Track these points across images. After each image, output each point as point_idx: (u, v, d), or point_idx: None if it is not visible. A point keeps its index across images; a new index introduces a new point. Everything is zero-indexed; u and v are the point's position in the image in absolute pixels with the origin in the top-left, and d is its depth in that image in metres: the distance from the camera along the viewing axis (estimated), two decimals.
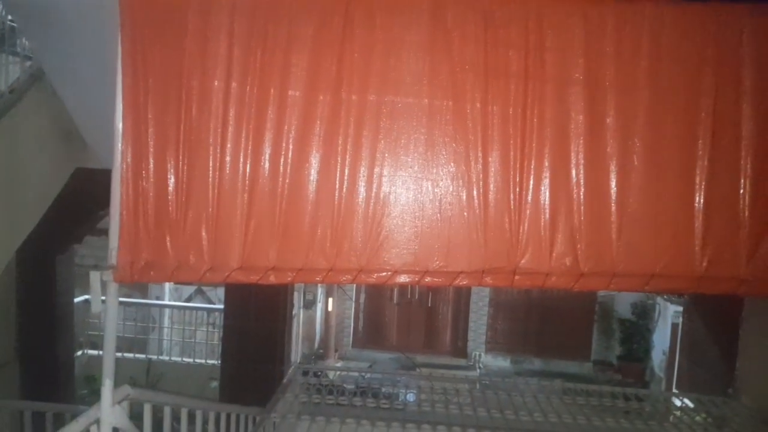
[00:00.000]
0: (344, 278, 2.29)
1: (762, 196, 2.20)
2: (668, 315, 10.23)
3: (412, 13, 2.21)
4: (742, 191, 2.20)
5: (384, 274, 2.25)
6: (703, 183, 2.20)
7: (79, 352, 7.53)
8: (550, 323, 12.41)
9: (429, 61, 2.21)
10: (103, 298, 2.26)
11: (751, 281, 2.24)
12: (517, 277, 2.23)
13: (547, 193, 2.22)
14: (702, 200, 2.20)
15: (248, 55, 2.21)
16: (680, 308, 8.55)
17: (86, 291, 6.49)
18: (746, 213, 2.20)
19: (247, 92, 2.20)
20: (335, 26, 2.22)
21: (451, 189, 2.23)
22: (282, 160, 2.22)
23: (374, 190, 2.23)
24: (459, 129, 2.22)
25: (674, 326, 9.63)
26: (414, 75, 2.21)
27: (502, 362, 12.49)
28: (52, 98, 4.16)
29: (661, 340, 10.72)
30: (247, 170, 2.21)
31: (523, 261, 2.23)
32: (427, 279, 2.25)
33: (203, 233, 2.21)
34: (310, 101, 2.21)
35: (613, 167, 2.20)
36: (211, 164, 2.21)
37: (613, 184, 2.20)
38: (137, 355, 7.66)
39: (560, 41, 2.18)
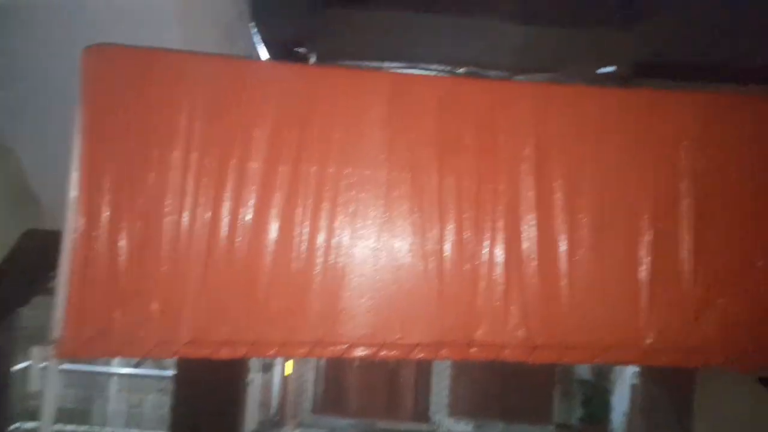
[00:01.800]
0: (299, 352, 2.24)
1: (703, 269, 2.30)
2: (626, 376, 10.34)
3: (374, 93, 2.30)
4: (684, 264, 2.30)
5: (340, 347, 2.23)
6: (648, 257, 2.29)
7: (16, 425, 7.06)
8: (513, 385, 12.32)
9: (388, 136, 2.29)
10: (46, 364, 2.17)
11: (698, 352, 2.32)
12: (472, 350, 2.25)
13: (502, 266, 2.27)
14: (647, 273, 2.29)
15: (209, 127, 2.24)
16: (637, 369, 8.67)
17: (30, 356, 6.16)
18: (689, 285, 2.29)
19: (207, 163, 2.22)
20: (297, 99, 2.30)
21: (408, 261, 2.26)
22: (239, 231, 2.22)
23: (331, 261, 2.24)
24: (416, 202, 2.27)
25: (633, 387, 9.71)
26: (373, 149, 2.28)
27: (464, 427, 12.27)
28: (6, 155, 4.08)
29: (620, 401, 10.77)
30: (203, 242, 2.19)
31: (478, 333, 2.25)
32: (384, 352, 2.24)
33: (154, 306, 2.15)
34: (270, 173, 2.24)
35: (562, 241, 2.28)
36: (165, 234, 2.19)
37: (563, 257, 2.28)
38: (78, 427, 7.25)
39: (511, 121, 2.31)
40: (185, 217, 2.18)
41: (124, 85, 2.21)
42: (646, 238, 2.28)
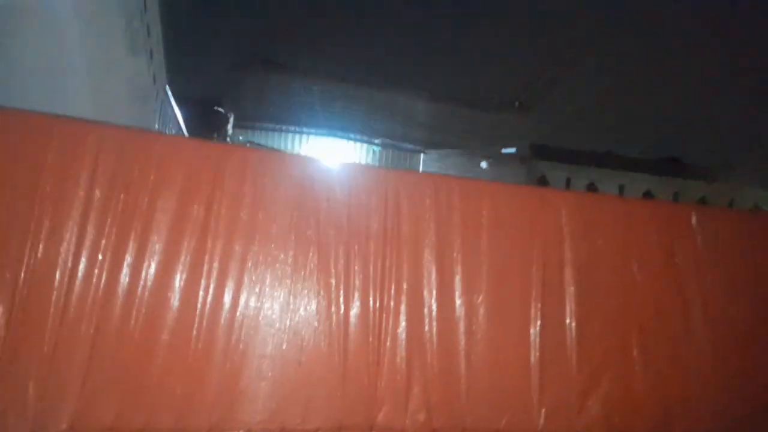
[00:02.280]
0: None
1: (586, 355, 2.47)
2: None
3: (282, 176, 2.35)
4: (569, 350, 2.46)
5: None
6: (537, 341, 2.44)
7: None
8: None
9: (296, 217, 2.32)
10: None
11: None
12: None
13: (404, 348, 2.32)
14: (537, 357, 2.42)
15: (110, 197, 2.17)
16: None
17: None
18: (575, 369, 2.45)
19: (104, 236, 2.13)
20: (204, 175, 2.28)
21: (311, 342, 2.26)
22: (136, 307, 2.12)
23: (233, 341, 2.19)
24: (322, 283, 2.30)
25: None
26: (281, 229, 2.30)
27: None
28: None
29: None
30: (93, 318, 2.07)
31: (380, 416, 2.26)
32: None
33: (30, 388, 1.98)
34: (172, 248, 2.19)
35: (461, 323, 2.39)
36: (52, 309, 2.04)
37: (461, 339, 2.37)
38: None
39: (414, 209, 2.42)
40: (75, 291, 2.05)
41: (19, 151, 2.09)
42: (536, 324, 2.43)
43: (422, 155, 5.54)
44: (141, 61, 4.07)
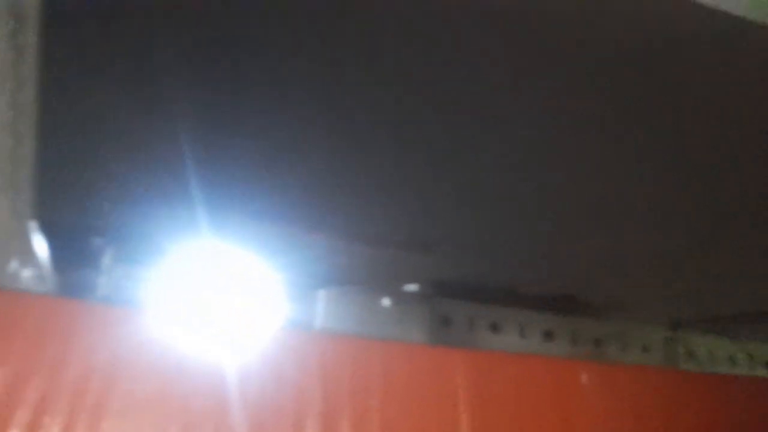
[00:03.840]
0: None
1: None
2: None
3: (140, 333, 2.29)
4: None
5: None
6: None
7: None
8: None
9: (159, 385, 2.27)
10: None
11: None
12: None
13: None
14: None
15: None
16: None
17: None
18: None
19: None
20: (49, 337, 2.20)
21: None
22: None
23: None
24: None
25: None
26: (140, 400, 2.23)
27: None
28: None
29: None
30: None
31: None
32: None
33: None
34: None
35: None
36: None
37: None
38: None
39: (298, 372, 2.45)
40: None
41: None
42: None
43: (321, 292, 5.18)
44: (5, 199, 3.61)
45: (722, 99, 1.95)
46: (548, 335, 4.18)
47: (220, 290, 3.09)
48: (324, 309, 3.92)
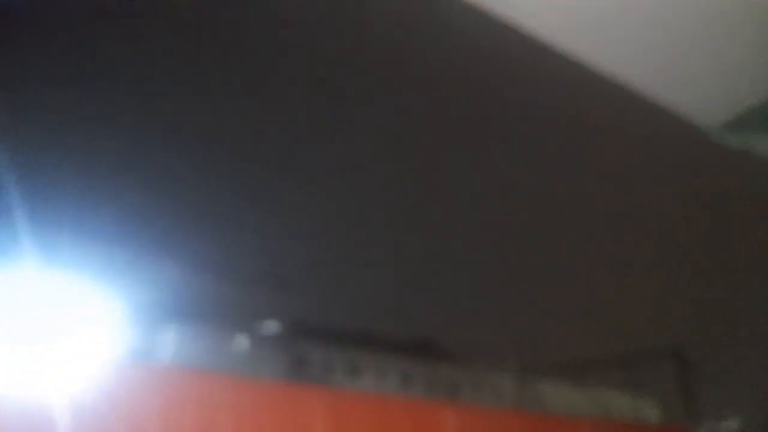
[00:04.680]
0: None
1: None
2: None
3: None
4: None
5: None
6: None
7: None
8: None
9: None
10: None
11: None
12: None
13: None
14: None
15: None
16: None
17: None
18: None
19: None
20: None
21: None
22: None
23: None
24: None
25: None
26: None
27: None
28: None
29: None
30: None
31: None
32: None
33: None
34: None
35: None
36: None
37: None
38: None
39: (137, 411, 2.21)
40: None
41: None
42: None
43: (170, 326, 4.93)
44: None
45: None
46: (406, 379, 4.22)
47: (48, 319, 2.77)
48: (173, 344, 3.64)
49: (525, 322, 3.64)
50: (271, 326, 3.98)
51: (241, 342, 4.27)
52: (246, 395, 2.48)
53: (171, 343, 3.68)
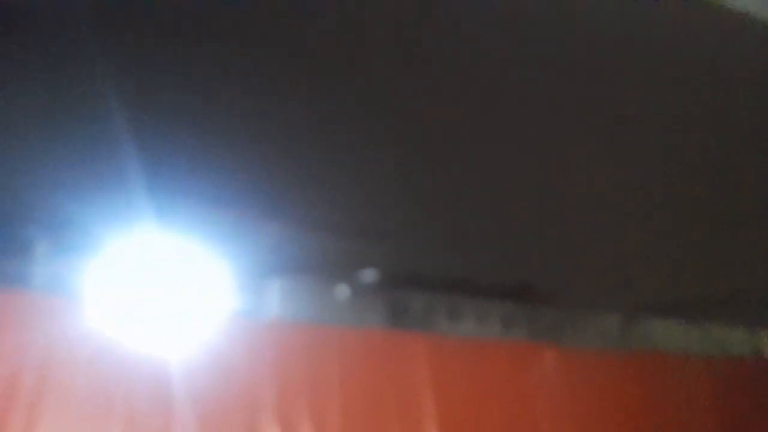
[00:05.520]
0: None
1: None
2: None
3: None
4: None
5: None
6: None
7: None
8: None
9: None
10: None
11: None
12: None
13: None
14: None
15: None
16: None
17: None
18: None
19: None
20: None
21: None
22: None
23: None
24: None
25: None
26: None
27: None
28: None
29: None
30: None
31: None
32: None
33: None
34: None
35: None
36: None
37: None
38: None
39: (251, 365, 2.37)
40: None
41: None
42: None
43: (272, 283, 5.08)
44: None
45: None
46: (505, 323, 4.24)
47: (164, 280, 2.97)
48: (278, 298, 3.82)
49: (632, 262, 3.50)
50: (371, 275, 4.12)
51: (343, 292, 4.47)
52: (351, 344, 2.58)
53: (277, 298, 3.90)
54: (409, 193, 2.74)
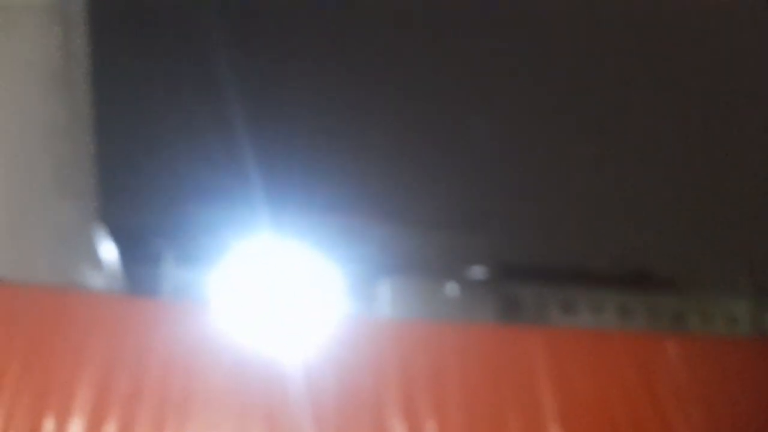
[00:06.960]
0: None
1: None
2: None
3: (218, 330, 2.31)
4: None
5: None
6: None
7: None
8: None
9: (239, 380, 2.28)
10: None
11: None
12: None
13: None
14: None
15: (27, 370, 2.11)
16: None
17: None
18: None
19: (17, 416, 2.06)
20: (132, 336, 2.25)
21: None
22: None
23: None
24: None
25: None
26: (221, 396, 2.27)
27: None
28: None
29: None
30: None
31: None
32: None
33: None
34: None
35: None
36: None
37: None
38: None
39: (376, 361, 2.42)
40: None
41: None
42: None
43: (384, 283, 5.16)
44: (72, 205, 3.87)
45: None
46: (624, 312, 4.11)
47: (285, 284, 3.14)
48: (390, 298, 3.93)
49: (760, 243, 3.31)
50: (481, 271, 4.12)
51: (453, 289, 4.51)
52: (468, 340, 2.60)
53: (389, 297, 4.01)
54: (517, 185, 2.75)
